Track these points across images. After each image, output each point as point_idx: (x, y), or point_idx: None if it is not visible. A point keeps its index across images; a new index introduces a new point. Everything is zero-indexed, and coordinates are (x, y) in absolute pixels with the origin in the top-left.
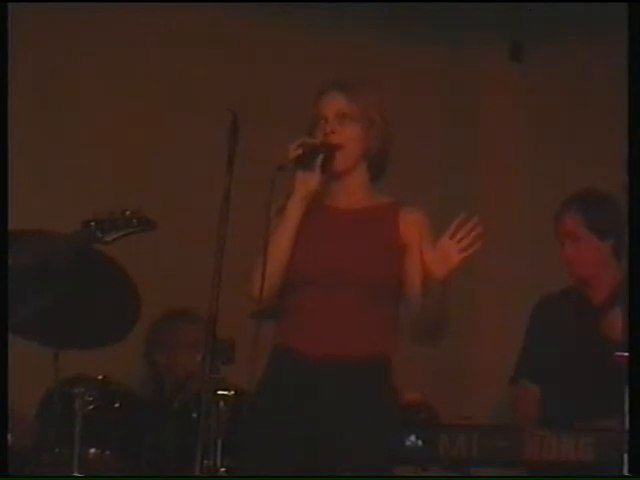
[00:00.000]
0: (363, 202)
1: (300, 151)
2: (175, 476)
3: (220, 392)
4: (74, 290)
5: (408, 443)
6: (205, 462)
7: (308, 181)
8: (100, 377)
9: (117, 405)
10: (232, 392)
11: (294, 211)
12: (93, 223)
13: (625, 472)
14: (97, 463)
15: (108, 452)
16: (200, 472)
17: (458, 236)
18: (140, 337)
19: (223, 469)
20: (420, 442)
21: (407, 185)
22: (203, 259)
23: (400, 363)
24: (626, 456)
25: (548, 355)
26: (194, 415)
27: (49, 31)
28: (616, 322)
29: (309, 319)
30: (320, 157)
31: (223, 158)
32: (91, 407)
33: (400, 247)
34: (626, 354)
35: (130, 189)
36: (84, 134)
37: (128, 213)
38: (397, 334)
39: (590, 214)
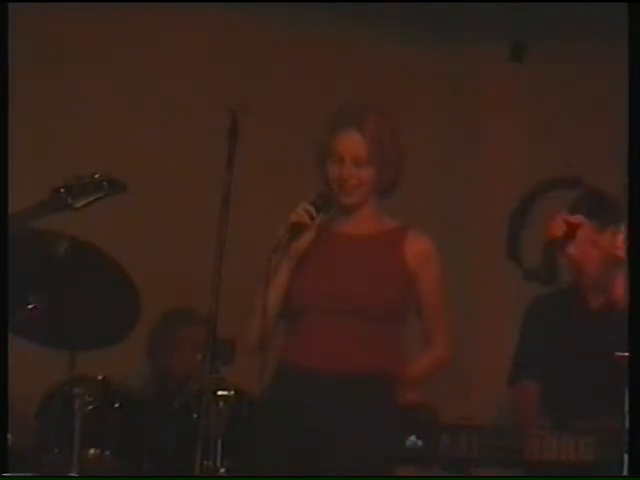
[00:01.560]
0: (369, 227)
1: (288, 234)
2: (175, 476)
3: (220, 392)
4: (74, 290)
5: (408, 443)
6: (205, 462)
7: (302, 244)
8: (100, 377)
9: (117, 405)
10: (232, 392)
11: (285, 273)
12: (62, 189)
13: (625, 472)
14: (97, 463)
15: (108, 452)
16: (200, 472)
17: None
18: (140, 337)
19: (223, 469)
20: (420, 442)
21: (406, 184)
22: (203, 259)
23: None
24: (626, 456)
25: (546, 354)
26: (194, 415)
27: (49, 31)
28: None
29: (313, 340)
30: (319, 218)
31: (223, 158)
32: (91, 407)
33: (406, 274)
34: (626, 354)
35: (130, 189)
36: (84, 134)
37: (97, 176)
38: (400, 354)
39: (595, 215)
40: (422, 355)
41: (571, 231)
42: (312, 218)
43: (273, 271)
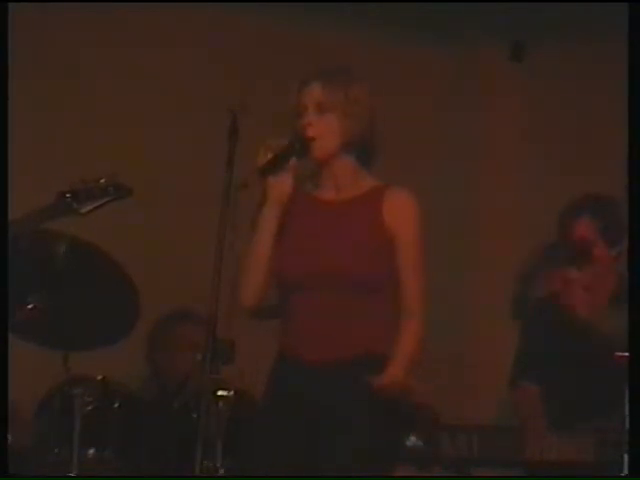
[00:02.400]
0: (350, 191)
1: (270, 155)
2: (175, 476)
3: (220, 392)
4: (74, 290)
5: (408, 443)
6: (205, 462)
7: (281, 186)
8: (100, 377)
9: (117, 405)
10: (232, 392)
11: (270, 221)
12: (68, 194)
13: (625, 472)
14: (97, 463)
15: (108, 452)
16: (200, 472)
17: None
18: (140, 337)
19: (223, 469)
20: (420, 442)
21: (407, 184)
22: (203, 259)
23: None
24: (626, 456)
25: (546, 356)
26: (194, 415)
27: (49, 31)
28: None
29: (301, 324)
30: (292, 159)
31: (223, 158)
32: (91, 407)
33: (386, 238)
34: (626, 354)
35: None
36: (84, 134)
37: (103, 181)
38: (391, 328)
39: (604, 221)
40: (404, 332)
41: (567, 285)
42: (276, 160)
43: (258, 229)
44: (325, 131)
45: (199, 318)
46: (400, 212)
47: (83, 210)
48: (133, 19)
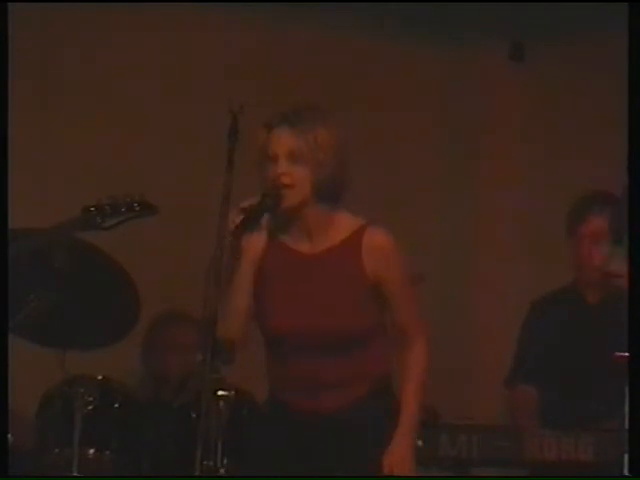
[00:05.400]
0: (325, 241)
1: (242, 217)
2: (175, 476)
3: (220, 392)
4: (74, 290)
5: None
6: (205, 462)
7: (256, 243)
8: (100, 377)
9: (117, 405)
10: (232, 392)
11: (246, 278)
12: (93, 209)
13: (625, 472)
14: (97, 463)
15: (108, 452)
16: (200, 472)
17: None
18: (140, 337)
19: (223, 469)
20: (420, 442)
21: (407, 184)
22: (203, 259)
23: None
24: (626, 456)
25: (545, 357)
26: (194, 415)
27: (49, 31)
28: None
29: (294, 377)
30: (265, 215)
31: (223, 158)
32: (91, 407)
33: (371, 284)
34: (626, 354)
35: (130, 189)
36: (84, 134)
37: (129, 198)
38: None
39: (614, 217)
40: (412, 361)
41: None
42: (252, 217)
43: (232, 272)
44: (298, 180)
45: (198, 318)
46: (380, 254)
47: (106, 225)
48: (133, 18)
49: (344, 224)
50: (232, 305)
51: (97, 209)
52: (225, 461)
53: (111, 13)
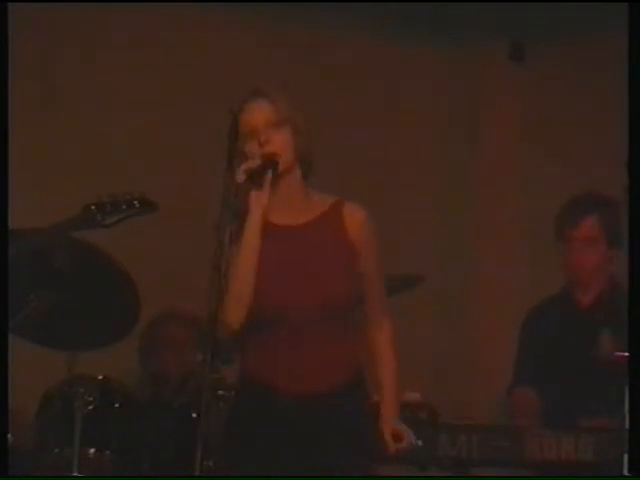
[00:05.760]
0: (305, 213)
1: (244, 176)
2: (175, 476)
3: (220, 392)
4: (74, 290)
5: None
6: (205, 462)
7: (261, 200)
8: (100, 377)
9: (117, 405)
10: (232, 392)
11: (254, 235)
12: (94, 206)
13: (625, 472)
14: (97, 463)
15: (108, 452)
16: (200, 472)
17: None
18: (140, 337)
19: (222, 469)
20: (420, 442)
21: (408, 184)
22: (203, 259)
23: (400, 363)
24: (626, 456)
25: (545, 360)
26: (194, 415)
27: (49, 31)
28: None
29: (278, 355)
30: (269, 172)
31: (223, 158)
32: (91, 407)
33: (354, 258)
34: (626, 354)
35: (130, 189)
36: (84, 134)
37: (129, 195)
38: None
39: (607, 221)
40: (385, 343)
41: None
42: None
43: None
44: (281, 148)
45: (197, 318)
46: (360, 227)
47: (107, 222)
48: (133, 18)
49: (318, 198)
50: (240, 274)
51: (97, 206)
52: (225, 461)
53: (111, 13)
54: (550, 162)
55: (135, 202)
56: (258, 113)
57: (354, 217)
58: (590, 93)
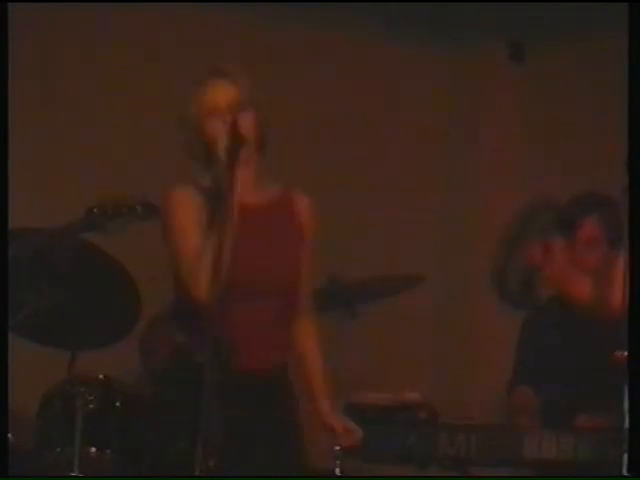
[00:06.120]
0: (261, 194)
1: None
2: (175, 476)
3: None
4: (74, 290)
5: (408, 443)
6: (205, 462)
7: (236, 181)
8: (101, 376)
9: (118, 404)
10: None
11: (231, 216)
12: (96, 210)
13: (625, 472)
14: (97, 463)
15: (108, 452)
16: (200, 472)
17: None
18: (140, 336)
19: (222, 469)
20: (420, 442)
21: (408, 184)
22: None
23: (400, 363)
24: (626, 456)
25: (544, 359)
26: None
27: (49, 31)
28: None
29: (236, 330)
30: (245, 152)
31: None
32: (92, 406)
33: (302, 241)
34: (626, 354)
35: (130, 189)
36: (84, 133)
37: (131, 200)
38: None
39: (608, 221)
40: (311, 336)
41: (549, 255)
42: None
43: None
44: (246, 128)
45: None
46: (307, 213)
47: (109, 228)
48: (133, 18)
49: (270, 180)
50: (216, 250)
51: (99, 209)
52: (225, 461)
53: (111, 13)
54: (550, 162)
55: (137, 207)
56: (223, 93)
57: (303, 203)
58: (590, 93)
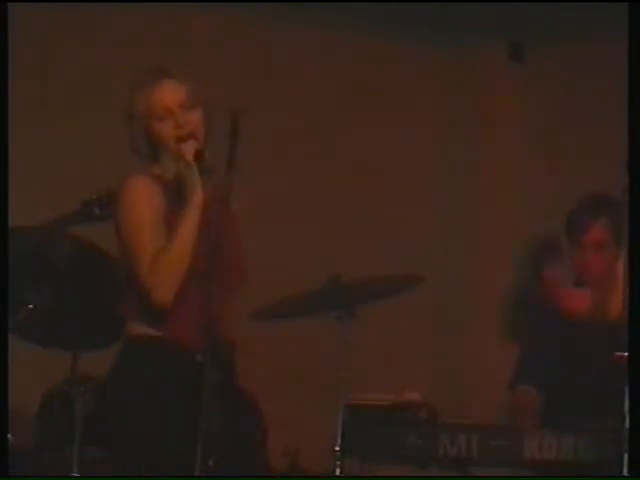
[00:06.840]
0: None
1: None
2: (175, 476)
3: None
4: (74, 289)
5: (408, 443)
6: (205, 462)
7: (200, 182)
8: (100, 377)
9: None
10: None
11: (196, 216)
12: (92, 200)
13: (625, 472)
14: (97, 463)
15: (108, 452)
16: (200, 472)
17: None
18: None
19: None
20: (420, 442)
21: (407, 184)
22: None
23: (400, 363)
24: (626, 456)
25: (546, 359)
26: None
27: (49, 31)
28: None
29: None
30: (205, 157)
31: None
32: (91, 407)
33: (237, 232)
34: (626, 354)
35: None
36: (84, 133)
37: None
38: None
39: (616, 223)
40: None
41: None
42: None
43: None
44: (196, 127)
45: None
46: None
47: (105, 213)
48: (132, 18)
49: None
50: (179, 249)
51: (96, 200)
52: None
53: (111, 13)
54: (550, 162)
55: None
56: (171, 94)
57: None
58: (590, 93)
